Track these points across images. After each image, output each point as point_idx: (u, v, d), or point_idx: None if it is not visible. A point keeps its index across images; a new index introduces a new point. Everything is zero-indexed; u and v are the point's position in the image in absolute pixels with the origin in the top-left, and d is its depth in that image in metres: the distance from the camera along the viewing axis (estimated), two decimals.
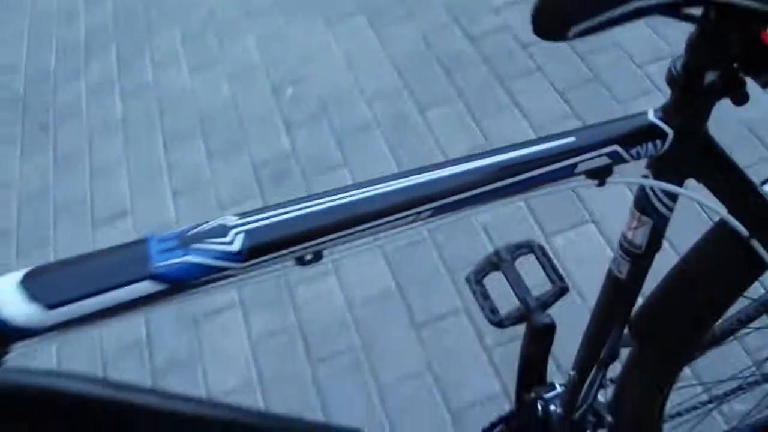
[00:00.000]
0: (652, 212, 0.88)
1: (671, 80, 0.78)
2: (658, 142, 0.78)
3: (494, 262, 1.08)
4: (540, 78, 2.42)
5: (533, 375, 1.11)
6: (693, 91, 0.77)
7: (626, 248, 0.94)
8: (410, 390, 1.79)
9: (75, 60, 3.03)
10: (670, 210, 0.88)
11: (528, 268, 1.05)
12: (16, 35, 3.26)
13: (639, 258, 0.94)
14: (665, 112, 0.79)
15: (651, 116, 0.78)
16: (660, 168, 0.84)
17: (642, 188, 0.88)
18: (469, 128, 2.33)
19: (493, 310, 1.03)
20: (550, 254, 1.09)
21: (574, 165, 0.76)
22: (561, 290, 1.04)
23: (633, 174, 0.85)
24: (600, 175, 0.79)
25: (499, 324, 1.02)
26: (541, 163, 0.75)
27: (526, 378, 1.12)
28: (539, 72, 2.44)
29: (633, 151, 0.78)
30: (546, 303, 1.03)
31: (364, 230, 0.71)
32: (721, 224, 0.91)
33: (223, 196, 2.35)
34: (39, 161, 2.66)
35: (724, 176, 0.87)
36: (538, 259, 1.07)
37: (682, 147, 0.80)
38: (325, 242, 0.70)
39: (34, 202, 2.52)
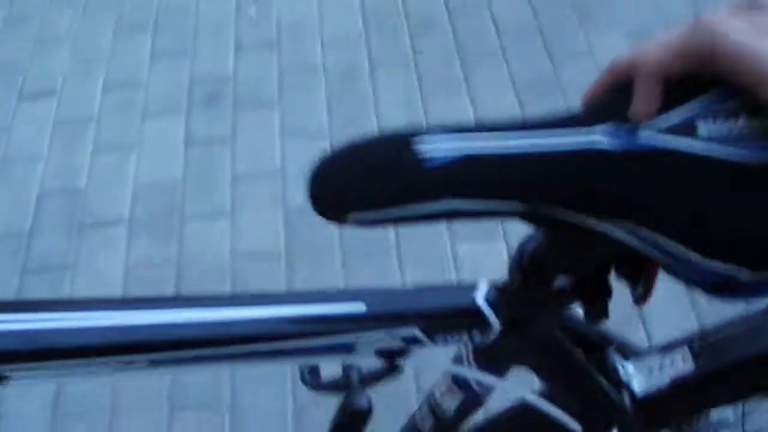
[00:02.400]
0: (465, 386, 0.78)
1: (516, 265, 0.63)
2: (478, 333, 0.63)
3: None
4: (502, 68, 2.30)
5: None
6: (541, 288, 0.63)
7: (432, 407, 0.83)
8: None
9: None
10: (488, 392, 0.78)
11: None
12: None
13: (444, 424, 0.83)
14: (499, 297, 0.63)
15: (479, 298, 0.63)
16: (480, 353, 0.73)
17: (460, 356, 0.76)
18: (412, 103, 2.23)
19: (314, 370, 0.81)
20: None
21: (352, 344, 0.62)
22: (390, 368, 0.85)
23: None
24: (392, 356, 0.65)
25: (314, 386, 0.78)
26: (302, 331, 0.60)
27: None
28: (504, 61, 2.32)
29: (439, 338, 0.63)
30: (369, 379, 0.81)
31: (54, 364, 0.59)
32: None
33: (150, 104, 2.28)
34: None
35: (564, 376, 0.74)
36: None
37: (511, 343, 0.67)
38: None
39: None
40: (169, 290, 1.85)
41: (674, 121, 0.51)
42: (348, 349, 0.62)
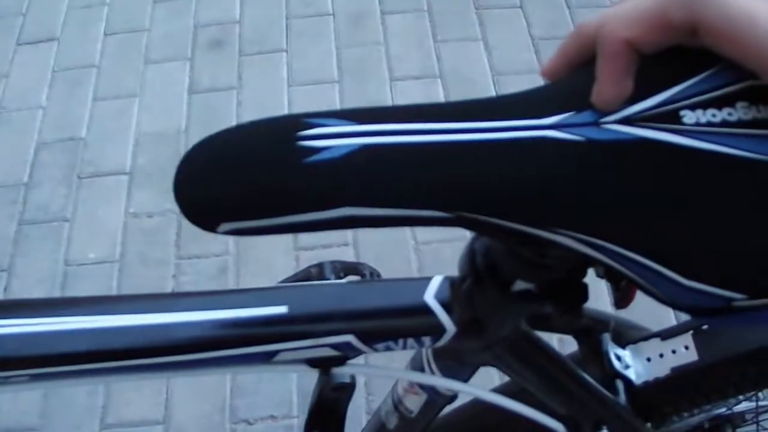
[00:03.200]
0: (428, 388, 0.70)
1: (468, 264, 0.52)
2: (428, 338, 0.53)
3: (312, 277, 0.90)
4: (518, 16, 2.21)
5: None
6: (499, 291, 0.52)
7: (396, 404, 0.76)
8: None
9: None
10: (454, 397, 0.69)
11: None
12: None
13: (409, 422, 0.75)
14: (454, 295, 0.53)
15: (428, 297, 0.53)
16: (439, 353, 0.64)
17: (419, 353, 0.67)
18: (424, 48, 2.13)
19: None
20: None
21: (273, 352, 0.52)
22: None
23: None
24: (326, 364, 0.55)
25: None
26: (209, 341, 0.50)
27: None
28: (520, 9, 2.22)
29: (380, 345, 0.53)
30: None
31: None
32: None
33: (153, 50, 2.19)
34: None
35: (540, 377, 0.64)
36: None
37: (471, 344, 0.57)
38: None
39: None
40: (169, 243, 1.77)
41: (651, 108, 0.39)
42: (269, 357, 0.51)
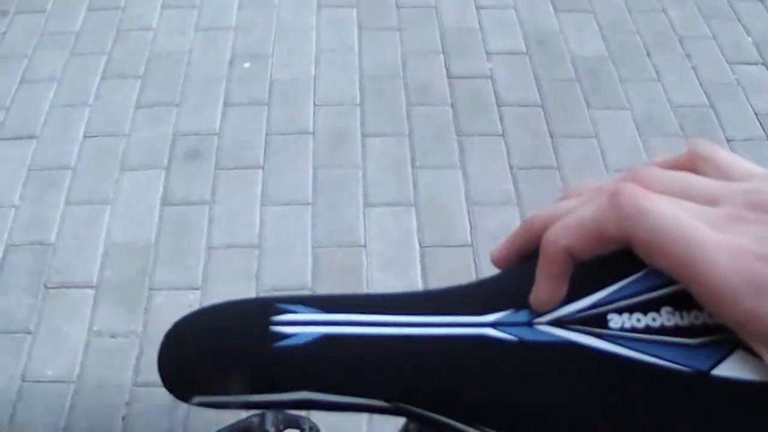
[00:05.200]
0: None
1: None
2: None
3: (252, 427, 0.93)
4: (499, 144, 2.22)
5: None
6: None
7: None
8: None
9: None
10: None
11: None
12: None
13: None
14: None
15: None
16: None
17: None
18: (402, 174, 2.14)
19: None
20: None
21: None
22: None
23: None
24: None
25: None
26: None
27: None
28: (501, 138, 2.24)
29: None
30: None
31: None
32: None
33: (130, 157, 2.19)
34: None
35: None
36: None
37: None
38: None
39: None
40: (128, 368, 1.75)
41: (581, 310, 0.42)
42: None
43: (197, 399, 0.47)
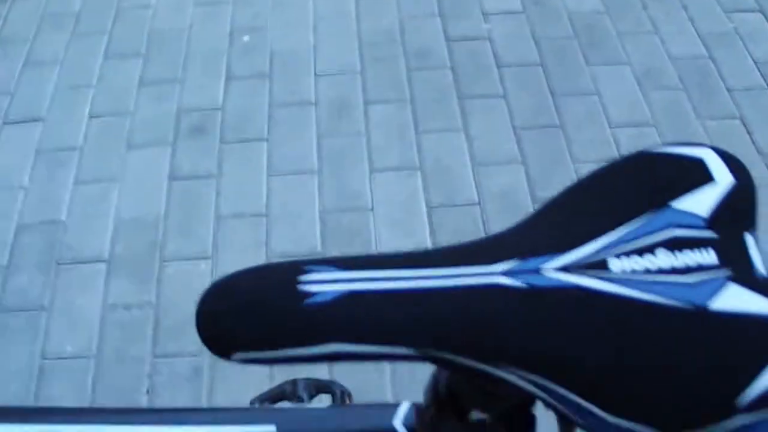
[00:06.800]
0: None
1: (432, 392, 0.60)
2: None
3: (286, 393, 0.95)
4: (501, 105, 2.23)
5: None
6: (458, 419, 0.59)
7: None
8: None
9: None
10: None
11: None
12: None
13: None
14: (419, 421, 0.61)
15: (397, 421, 0.63)
16: None
17: None
18: (406, 139, 2.16)
19: None
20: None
21: None
22: None
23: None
24: None
25: None
26: None
27: None
28: (503, 99, 2.25)
29: None
30: None
31: None
32: None
33: (136, 134, 2.21)
34: None
35: None
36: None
37: None
38: None
39: None
40: (146, 339, 1.78)
41: (583, 257, 0.47)
42: None
43: (237, 356, 0.51)
